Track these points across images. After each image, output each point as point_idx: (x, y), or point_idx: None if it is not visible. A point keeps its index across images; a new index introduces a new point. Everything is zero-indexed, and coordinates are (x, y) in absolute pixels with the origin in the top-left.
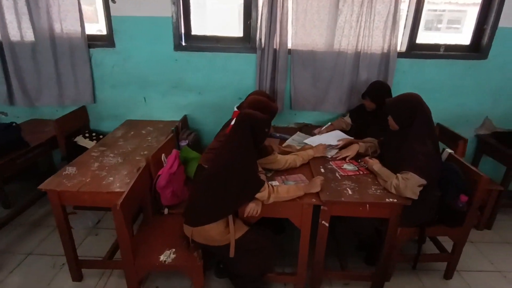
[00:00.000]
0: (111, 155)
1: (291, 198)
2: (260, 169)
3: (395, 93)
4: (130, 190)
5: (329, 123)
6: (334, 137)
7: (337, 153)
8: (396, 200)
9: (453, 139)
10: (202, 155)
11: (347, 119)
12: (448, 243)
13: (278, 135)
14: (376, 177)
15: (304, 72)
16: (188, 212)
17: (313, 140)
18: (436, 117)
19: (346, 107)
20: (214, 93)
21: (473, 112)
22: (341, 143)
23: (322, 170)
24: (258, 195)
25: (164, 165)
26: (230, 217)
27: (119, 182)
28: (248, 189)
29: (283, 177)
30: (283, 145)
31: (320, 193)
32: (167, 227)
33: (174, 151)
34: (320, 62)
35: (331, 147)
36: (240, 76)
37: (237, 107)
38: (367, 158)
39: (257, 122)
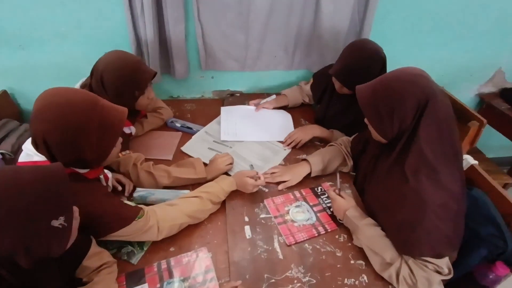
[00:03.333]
0: None
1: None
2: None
3: (376, 39)
4: None
5: (280, 94)
6: (279, 124)
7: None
8: None
9: (458, 117)
10: None
11: (308, 89)
12: None
13: (179, 125)
14: (351, 234)
15: (220, 2)
16: None
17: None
18: (430, 71)
19: (300, 63)
20: (50, 46)
21: (483, 62)
22: (276, 171)
23: (248, 232)
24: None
25: None
26: None
27: None
28: None
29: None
30: (183, 148)
31: None
32: None
33: None
34: None
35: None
36: (96, 11)
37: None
38: (332, 192)
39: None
